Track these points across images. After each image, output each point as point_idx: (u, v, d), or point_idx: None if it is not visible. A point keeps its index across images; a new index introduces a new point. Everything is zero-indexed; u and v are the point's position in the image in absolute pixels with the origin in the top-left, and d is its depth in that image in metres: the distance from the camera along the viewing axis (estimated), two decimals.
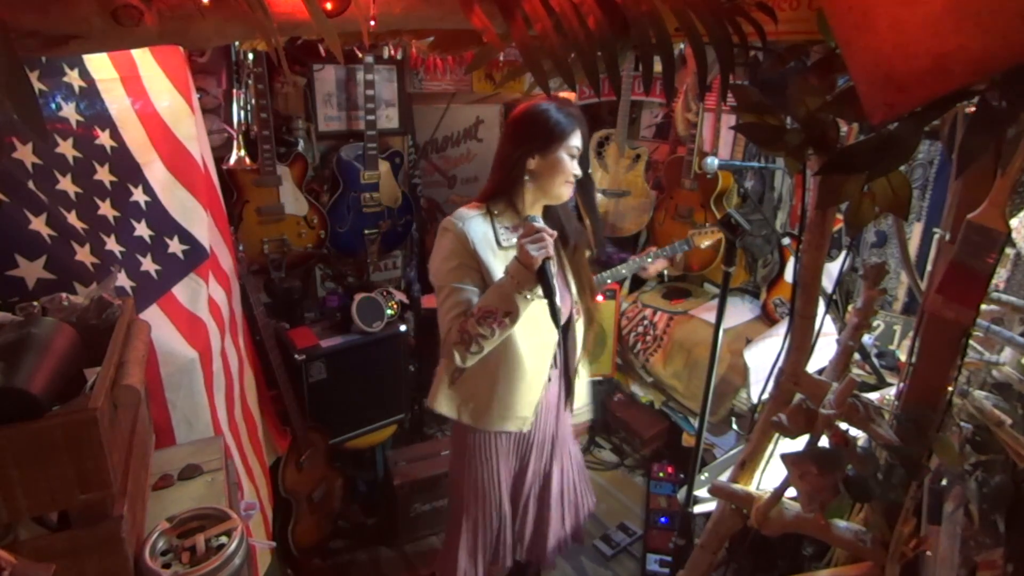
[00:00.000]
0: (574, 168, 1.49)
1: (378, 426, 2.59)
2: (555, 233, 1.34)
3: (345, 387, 2.43)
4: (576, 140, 1.48)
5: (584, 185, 2.44)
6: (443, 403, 1.64)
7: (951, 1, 0.66)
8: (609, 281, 2.37)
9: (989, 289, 0.98)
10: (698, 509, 1.62)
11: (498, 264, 1.45)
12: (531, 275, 1.31)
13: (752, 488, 1.25)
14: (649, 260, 2.29)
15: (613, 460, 3.06)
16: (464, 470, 1.71)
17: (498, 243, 1.48)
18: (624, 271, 2.34)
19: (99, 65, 1.38)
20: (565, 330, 1.64)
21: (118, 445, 0.94)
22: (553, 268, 1.31)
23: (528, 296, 1.34)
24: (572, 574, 2.39)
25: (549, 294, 1.31)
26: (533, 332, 1.54)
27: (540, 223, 1.35)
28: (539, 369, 1.62)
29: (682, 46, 1.43)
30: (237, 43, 2.15)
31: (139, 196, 1.48)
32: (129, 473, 0.96)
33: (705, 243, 2.34)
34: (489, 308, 1.35)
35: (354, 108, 2.67)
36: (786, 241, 2.37)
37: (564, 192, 1.51)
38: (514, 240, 1.46)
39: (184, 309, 1.56)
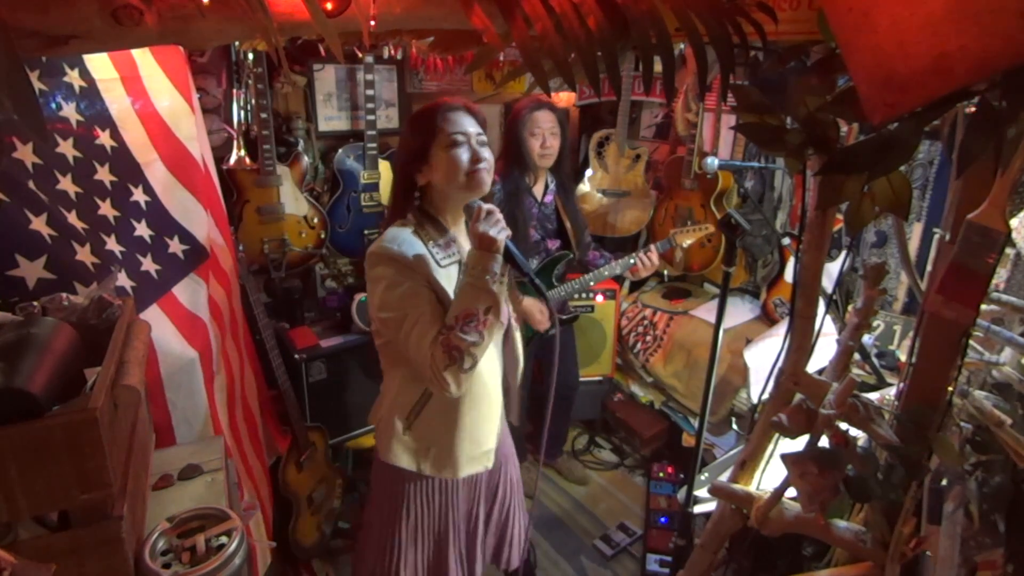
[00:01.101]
0: (467, 153, 1.30)
1: None
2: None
3: (345, 387, 2.42)
4: (454, 125, 1.30)
5: (564, 187, 2.45)
6: (401, 455, 1.39)
7: (951, 1, 0.66)
8: (592, 283, 2.35)
9: (989, 289, 0.98)
10: (698, 509, 1.62)
11: (445, 282, 1.29)
12: (495, 259, 1.21)
13: (752, 488, 1.25)
14: (632, 261, 2.27)
15: (613, 460, 3.05)
16: (400, 515, 1.45)
17: (437, 263, 1.30)
18: (606, 273, 2.32)
19: (99, 65, 1.38)
20: (504, 342, 1.49)
21: (118, 445, 0.94)
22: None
23: (502, 281, 1.22)
24: (572, 574, 2.39)
25: (524, 270, 1.24)
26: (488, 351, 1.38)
27: (485, 204, 1.26)
28: (497, 388, 1.47)
29: (682, 46, 1.43)
30: (237, 43, 2.15)
31: (139, 196, 1.48)
32: (129, 473, 0.96)
33: (687, 242, 2.33)
34: (467, 311, 1.19)
35: (354, 108, 2.67)
36: (786, 241, 2.37)
37: (473, 183, 1.30)
38: (451, 259, 1.34)
39: (184, 309, 1.56)
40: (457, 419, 1.38)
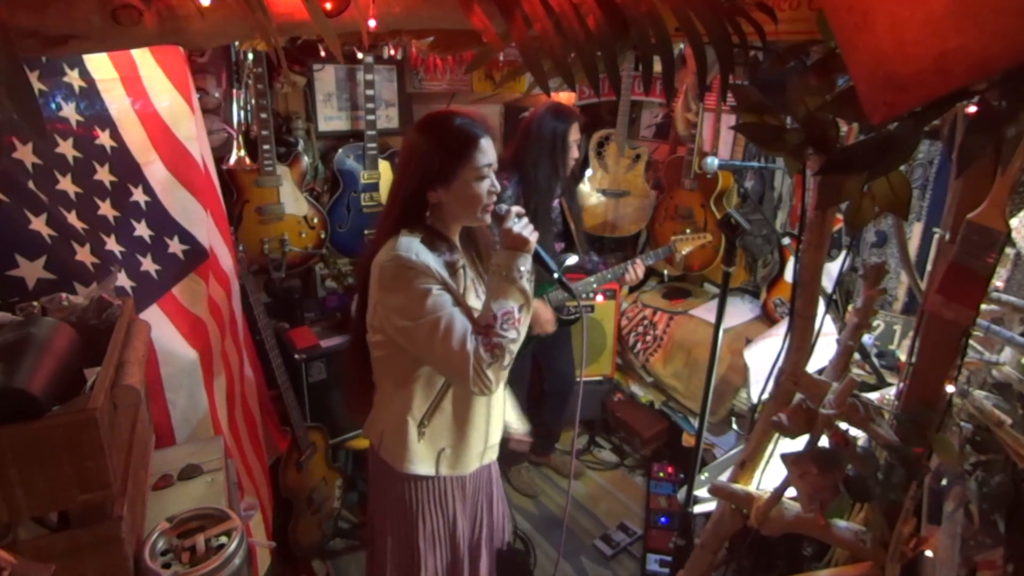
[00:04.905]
0: (489, 187, 1.30)
1: None
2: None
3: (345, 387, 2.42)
4: (485, 156, 1.28)
5: (569, 190, 2.46)
6: (419, 464, 1.38)
7: (951, 1, 0.66)
8: (595, 286, 2.36)
9: (989, 289, 0.98)
10: (698, 509, 1.62)
11: (460, 287, 1.32)
12: (526, 258, 1.25)
13: (752, 488, 1.25)
14: (620, 272, 2.27)
15: (613, 460, 3.05)
16: (416, 523, 1.44)
17: (446, 270, 1.30)
18: (609, 276, 2.32)
19: (99, 65, 1.38)
20: None
21: (118, 445, 0.94)
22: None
23: (529, 280, 1.26)
24: (572, 574, 2.39)
25: (551, 268, 1.30)
26: None
27: (514, 207, 1.29)
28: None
29: (682, 46, 1.43)
30: (237, 43, 2.15)
31: (139, 196, 1.48)
32: (129, 473, 0.96)
33: (686, 250, 2.34)
34: (505, 309, 1.21)
35: (354, 108, 2.67)
36: (786, 241, 2.37)
37: (486, 218, 1.32)
38: (459, 263, 1.35)
39: (184, 309, 1.56)
40: (471, 418, 1.41)
